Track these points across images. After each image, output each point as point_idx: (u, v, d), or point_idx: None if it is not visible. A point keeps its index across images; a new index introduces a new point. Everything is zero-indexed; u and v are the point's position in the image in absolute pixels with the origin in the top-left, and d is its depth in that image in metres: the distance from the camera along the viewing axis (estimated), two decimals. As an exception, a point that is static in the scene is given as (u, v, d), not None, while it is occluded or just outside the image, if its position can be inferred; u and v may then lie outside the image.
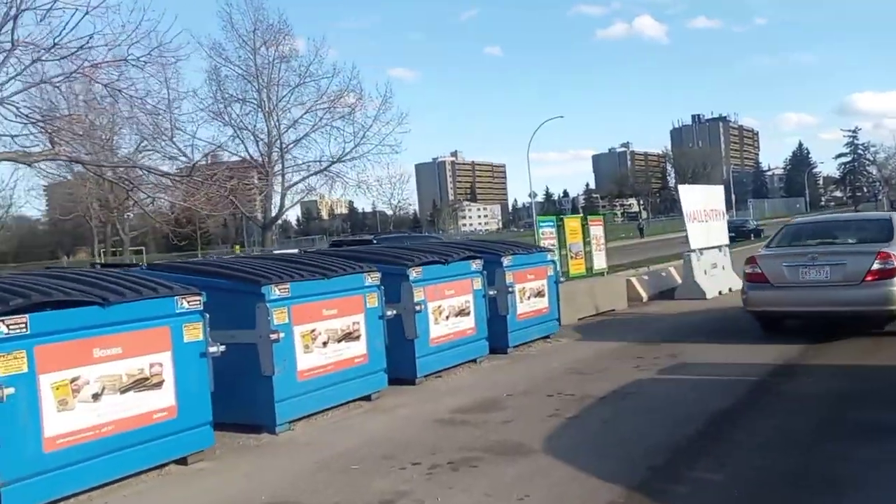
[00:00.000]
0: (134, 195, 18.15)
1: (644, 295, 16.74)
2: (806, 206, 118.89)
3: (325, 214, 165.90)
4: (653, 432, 6.51)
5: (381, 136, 31.67)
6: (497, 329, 10.65)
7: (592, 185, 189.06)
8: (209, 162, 30.19)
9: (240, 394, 7.27)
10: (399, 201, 48.86)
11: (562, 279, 13.46)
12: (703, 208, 17.30)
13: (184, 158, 23.08)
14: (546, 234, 14.77)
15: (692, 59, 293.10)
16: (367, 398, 8.35)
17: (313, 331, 7.69)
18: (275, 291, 7.27)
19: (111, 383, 5.83)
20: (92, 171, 16.47)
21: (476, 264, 10.29)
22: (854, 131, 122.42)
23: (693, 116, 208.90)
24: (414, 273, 9.15)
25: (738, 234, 40.94)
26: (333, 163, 32.53)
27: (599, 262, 16.81)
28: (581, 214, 19.00)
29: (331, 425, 7.53)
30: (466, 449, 6.34)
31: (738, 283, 17.65)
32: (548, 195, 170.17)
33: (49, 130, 13.72)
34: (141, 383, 6.04)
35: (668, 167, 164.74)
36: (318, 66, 32.35)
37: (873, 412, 6.83)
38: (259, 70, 32.46)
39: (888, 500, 4.92)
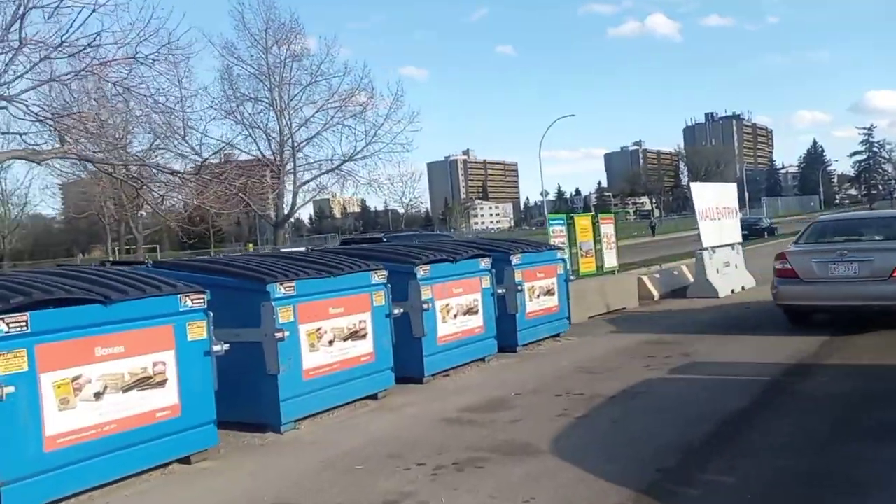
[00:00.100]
0: (143, 193, 18.13)
1: (656, 293, 16.58)
2: (820, 204, 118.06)
3: (337, 213, 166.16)
4: (663, 433, 6.40)
5: (392, 134, 31.63)
6: (506, 327, 10.55)
7: (605, 184, 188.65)
8: (223, 160, 30.25)
9: (245, 392, 7.20)
10: (411, 200, 48.87)
11: (572, 277, 13.35)
12: (716, 206, 17.13)
13: (196, 157, 23.16)
14: (556, 233, 14.62)
15: (705, 58, 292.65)
16: (374, 397, 8.27)
17: (319, 329, 7.61)
18: (280, 290, 7.20)
19: (113, 382, 5.77)
20: (101, 168, 16.47)
21: (485, 262, 10.19)
22: (869, 129, 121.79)
23: (706, 114, 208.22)
24: (421, 271, 9.06)
25: (752, 232, 40.65)
26: (345, 161, 32.51)
27: (610, 260, 16.66)
28: (592, 213, 18.82)
29: (336, 424, 7.45)
30: (473, 449, 6.25)
31: (751, 282, 17.59)
32: (560, 194, 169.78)
33: (59, 128, 13.71)
34: (144, 382, 5.97)
35: (681, 165, 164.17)
36: (329, 64, 32.32)
37: (891, 412, 6.69)
38: (271, 69, 32.46)
39: (905, 504, 4.80)
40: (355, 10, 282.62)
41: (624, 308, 15.06)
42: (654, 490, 5.08)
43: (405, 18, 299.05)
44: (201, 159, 19.93)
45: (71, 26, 12.59)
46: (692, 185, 18.19)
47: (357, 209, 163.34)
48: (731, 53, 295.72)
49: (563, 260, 12.66)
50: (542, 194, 64.54)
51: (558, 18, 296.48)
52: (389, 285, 8.49)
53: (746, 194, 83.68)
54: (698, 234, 16.46)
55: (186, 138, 22.31)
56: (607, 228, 16.68)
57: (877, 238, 11.21)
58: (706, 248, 16.27)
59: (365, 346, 8.14)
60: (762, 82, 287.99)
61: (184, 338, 6.27)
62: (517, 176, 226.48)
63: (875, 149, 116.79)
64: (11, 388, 5.13)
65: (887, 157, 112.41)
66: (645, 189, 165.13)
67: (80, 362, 5.56)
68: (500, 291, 10.46)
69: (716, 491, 5.11)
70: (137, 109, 17.17)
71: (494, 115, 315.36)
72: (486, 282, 10.18)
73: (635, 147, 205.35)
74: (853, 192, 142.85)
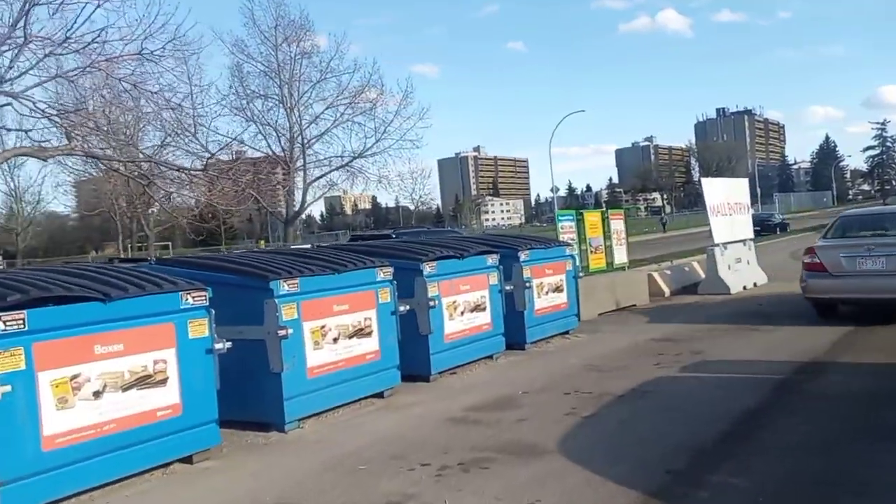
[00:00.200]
0: (151, 190, 18.08)
1: (666, 290, 16.43)
2: (833, 199, 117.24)
3: (348, 210, 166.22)
4: (673, 433, 6.27)
5: (402, 131, 31.59)
6: (514, 325, 10.43)
7: (616, 180, 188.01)
8: (235, 158, 30.23)
9: (248, 391, 7.11)
10: (421, 196, 48.75)
11: (581, 274, 13.20)
12: (727, 201, 16.95)
13: (206, 154, 23.14)
14: (565, 229, 14.47)
15: (717, 53, 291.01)
16: (380, 395, 8.17)
17: (323, 327, 7.51)
18: (283, 287, 7.10)
19: (113, 381, 5.69)
20: (108, 165, 16.42)
21: (492, 259, 10.07)
22: (882, 124, 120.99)
23: (718, 110, 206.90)
24: (428, 268, 8.95)
25: (764, 228, 40.31)
26: (355, 158, 32.47)
27: (620, 256, 16.49)
28: (601, 208, 18.64)
29: (341, 423, 7.36)
30: (478, 449, 6.14)
31: (763, 278, 17.40)
32: (571, 190, 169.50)
33: (65, 125, 13.66)
34: (144, 381, 5.89)
35: (693, 161, 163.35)
36: (338, 61, 32.30)
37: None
38: (281, 66, 32.42)
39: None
40: (365, 6, 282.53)
41: (634, 305, 14.91)
42: (663, 492, 4.95)
43: (415, 15, 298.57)
44: (211, 156, 19.88)
45: (75, 22, 12.55)
46: (703, 180, 18.01)
47: (368, 206, 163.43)
48: (743, 48, 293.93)
49: (573, 256, 12.52)
50: (552, 190, 64.28)
51: (569, 14, 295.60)
52: (395, 282, 8.38)
53: (758, 190, 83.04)
54: (710, 230, 16.29)
55: (197, 136, 22.36)
56: (617, 224, 16.51)
57: None
58: (717, 244, 16.11)
59: (370, 344, 8.04)
60: (774, 77, 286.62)
61: (185, 336, 6.19)
62: (528, 172, 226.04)
63: (888, 144, 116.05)
64: (8, 387, 5.07)
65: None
66: (656, 185, 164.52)
67: (78, 361, 5.49)
68: (508, 288, 10.34)
69: (726, 493, 4.98)
70: (147, 106, 17.11)
71: (505, 112, 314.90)
72: (494, 278, 10.06)
73: (646, 143, 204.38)
74: (866, 187, 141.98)
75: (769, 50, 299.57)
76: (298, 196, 34.12)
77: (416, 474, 5.61)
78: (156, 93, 15.00)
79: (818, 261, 11.38)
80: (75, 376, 5.46)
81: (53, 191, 75.24)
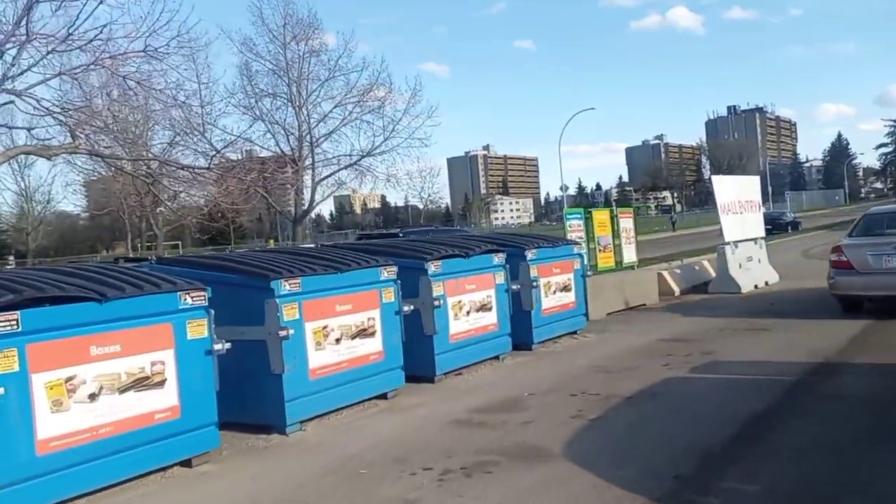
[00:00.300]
0: (155, 189, 18.01)
1: (676, 289, 16.25)
2: (845, 197, 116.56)
3: (357, 209, 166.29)
4: (681, 436, 6.12)
5: (410, 129, 31.49)
6: (521, 325, 10.28)
7: (626, 178, 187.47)
8: (246, 157, 30.20)
9: (249, 392, 7.01)
10: (429, 195, 48.65)
11: (590, 273, 13.05)
12: (738, 199, 16.76)
13: (214, 153, 23.07)
14: (573, 227, 14.33)
15: (728, 50, 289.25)
16: (384, 397, 8.05)
17: (326, 327, 7.39)
18: (285, 286, 6.98)
19: (109, 383, 5.58)
20: (112, 164, 16.36)
21: (499, 258, 9.93)
22: (895, 121, 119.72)
23: (729, 108, 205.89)
24: (433, 267, 8.82)
25: (775, 226, 40.01)
26: (363, 157, 32.38)
27: (629, 255, 16.32)
28: (610, 207, 18.46)
29: (344, 425, 7.23)
30: (482, 452, 6.01)
31: (774, 277, 17.20)
32: (580, 188, 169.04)
33: (70, 124, 13.59)
34: (141, 382, 5.78)
35: (703, 159, 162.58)
36: (347, 59, 32.22)
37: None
38: (289, 64, 32.35)
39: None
40: (374, 5, 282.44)
41: (643, 304, 14.74)
42: (671, 498, 4.81)
43: (424, 14, 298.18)
44: (216, 154, 19.79)
45: (77, 18, 12.46)
46: (714, 177, 17.85)
47: (377, 205, 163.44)
48: (754, 46, 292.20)
49: (581, 255, 12.37)
50: (561, 189, 64.05)
51: (578, 12, 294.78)
52: (399, 281, 8.25)
53: (770, 188, 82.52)
54: (720, 229, 16.11)
55: (206, 134, 22.29)
56: (626, 223, 16.35)
57: None
58: (728, 243, 15.93)
59: (373, 345, 7.91)
60: (786, 75, 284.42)
61: (183, 336, 6.08)
62: (537, 171, 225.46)
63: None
64: (1, 390, 4.97)
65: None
66: (666, 183, 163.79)
67: (73, 362, 5.38)
68: (514, 287, 10.20)
69: (735, 499, 4.84)
70: (155, 105, 17.03)
71: (515, 110, 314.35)
72: (501, 278, 9.92)
73: (657, 141, 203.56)
74: (879, 185, 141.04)
75: (781, 47, 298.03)
76: (307, 195, 34.10)
77: (417, 479, 5.49)
78: (160, 90, 14.91)
79: (845, 259, 11.59)
80: (70, 378, 5.35)
81: (63, 190, 75.37)
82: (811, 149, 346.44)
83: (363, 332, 7.80)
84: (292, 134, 32.80)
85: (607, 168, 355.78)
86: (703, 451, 5.70)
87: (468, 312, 9.34)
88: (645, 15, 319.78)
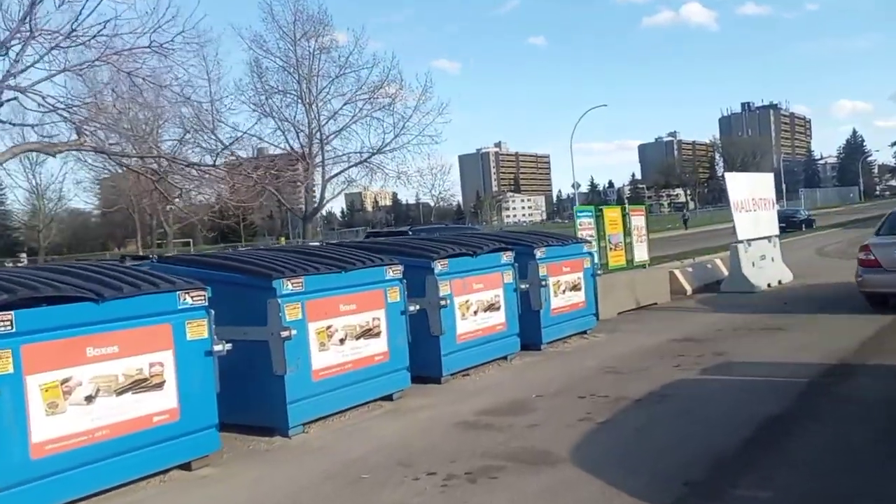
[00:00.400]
0: (161, 186, 17.95)
1: (688, 288, 16.06)
2: (860, 195, 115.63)
3: (369, 206, 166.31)
4: (692, 440, 5.96)
5: (421, 126, 31.36)
6: (529, 324, 10.12)
7: (638, 176, 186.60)
8: (257, 155, 30.14)
9: (252, 394, 6.89)
10: (440, 192, 48.51)
11: (600, 271, 12.86)
12: (752, 197, 16.53)
13: (224, 151, 23.03)
14: (584, 225, 14.12)
15: (742, 46, 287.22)
16: (389, 398, 7.91)
17: (329, 327, 7.26)
18: (287, 286, 6.85)
19: (106, 384, 5.47)
20: (116, 161, 16.31)
21: (507, 256, 9.77)
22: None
23: (742, 104, 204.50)
24: (439, 266, 8.68)
25: (789, 224, 39.61)
26: (373, 154, 32.27)
27: (641, 253, 16.08)
28: (622, 204, 18.23)
29: (347, 428, 7.10)
30: (488, 457, 5.86)
31: (788, 276, 16.97)
32: (593, 186, 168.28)
33: (74, 120, 13.52)
34: (139, 384, 5.67)
35: (717, 156, 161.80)
36: (357, 56, 32.12)
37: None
38: (299, 61, 32.29)
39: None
40: (388, 2, 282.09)
41: (655, 303, 14.56)
42: (681, 507, 4.66)
43: (436, 11, 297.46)
44: (224, 149, 19.74)
45: (80, 13, 12.37)
46: (727, 175, 17.59)
47: (388, 202, 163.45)
48: (769, 42, 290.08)
49: (591, 253, 12.19)
50: (573, 186, 63.61)
51: (591, 8, 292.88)
52: (405, 281, 8.12)
53: (784, 185, 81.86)
54: (733, 227, 15.89)
55: (216, 132, 22.23)
56: (638, 221, 16.11)
57: None
58: (741, 241, 15.72)
59: (379, 345, 7.78)
60: (800, 71, 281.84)
61: (183, 337, 5.96)
62: (549, 168, 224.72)
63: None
64: (-6, 392, 4.86)
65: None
66: (679, 181, 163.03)
67: (69, 364, 5.27)
68: (523, 287, 10.04)
69: (749, 508, 4.68)
70: (161, 101, 16.96)
71: (526, 107, 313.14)
72: (509, 276, 9.77)
73: (670, 138, 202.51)
74: (894, 182, 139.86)
75: (795, 43, 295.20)
76: (317, 192, 34.03)
77: (420, 484, 5.35)
78: (165, 86, 14.83)
79: (873, 257, 11.83)
80: (66, 380, 5.24)
81: (75, 188, 75.83)
82: (826, 146, 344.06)
83: (368, 333, 7.67)
84: (302, 131, 32.75)
85: (620, 165, 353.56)
86: (714, 456, 5.54)
87: (475, 312, 9.19)
88: (657, 11, 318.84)
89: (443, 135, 32.62)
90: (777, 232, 17.88)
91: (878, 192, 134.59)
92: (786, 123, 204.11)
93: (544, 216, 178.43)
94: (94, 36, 12.52)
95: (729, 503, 4.75)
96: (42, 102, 12.95)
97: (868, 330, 10.16)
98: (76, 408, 5.29)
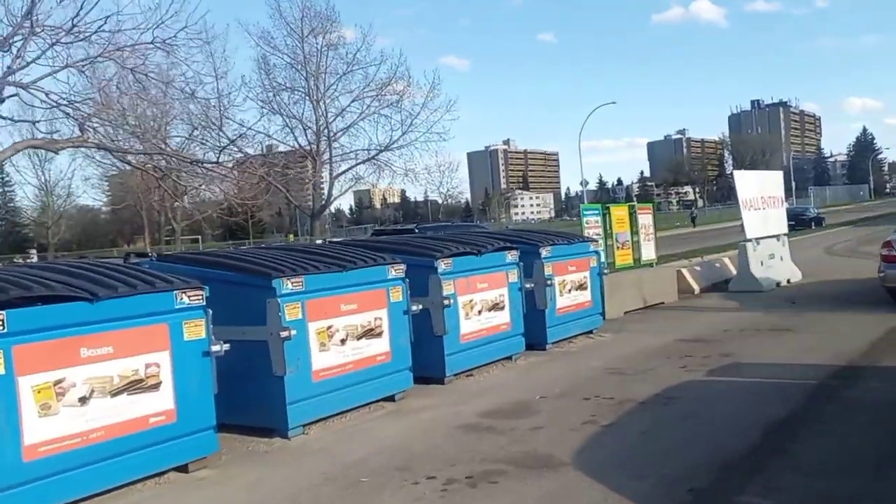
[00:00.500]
0: (164, 183, 17.89)
1: (696, 287, 15.91)
2: (870, 193, 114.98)
3: (377, 203, 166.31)
4: (698, 445, 5.84)
5: (428, 123, 31.34)
6: (534, 324, 10.01)
7: (647, 173, 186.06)
8: (265, 152, 30.10)
9: (252, 394, 6.82)
10: (448, 190, 48.47)
11: (606, 270, 12.73)
12: (760, 195, 16.36)
13: (231, 148, 22.97)
14: (590, 224, 13.99)
15: (751, 43, 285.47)
16: (391, 399, 7.82)
17: (330, 327, 7.16)
18: (287, 285, 6.76)
19: (101, 386, 5.38)
20: (119, 157, 16.26)
21: (512, 255, 9.66)
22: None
23: (752, 102, 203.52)
24: (443, 265, 8.57)
25: (798, 222, 39.32)
26: (381, 151, 32.26)
27: (648, 252, 15.96)
28: (630, 203, 18.07)
29: (348, 429, 7.00)
30: (489, 460, 5.75)
31: (797, 275, 16.80)
32: (601, 183, 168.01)
33: (78, 117, 13.46)
34: (135, 385, 5.58)
35: (726, 154, 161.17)
36: (365, 53, 32.12)
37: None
38: (307, 58, 32.31)
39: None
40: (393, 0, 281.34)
41: (662, 302, 14.42)
42: (685, 514, 4.54)
43: (444, 7, 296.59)
44: (229, 144, 19.64)
45: (81, 9, 12.30)
46: (735, 172, 17.44)
47: (397, 200, 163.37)
48: (778, 39, 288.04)
49: (597, 252, 12.06)
50: (581, 184, 63.62)
51: (600, 5, 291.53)
52: (408, 280, 8.01)
53: (793, 183, 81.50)
54: (741, 225, 15.73)
55: (223, 129, 22.19)
56: (645, 219, 15.99)
57: None
58: (750, 240, 15.56)
59: (380, 345, 7.68)
60: (810, 68, 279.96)
61: (180, 337, 5.87)
62: (558, 166, 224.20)
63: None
64: (-15, 394, 4.78)
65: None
66: (689, 178, 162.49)
67: (63, 364, 5.18)
68: (528, 286, 9.93)
69: (755, 516, 4.56)
70: (164, 97, 16.87)
71: (535, 105, 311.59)
72: (514, 276, 9.66)
73: (679, 136, 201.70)
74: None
75: (805, 40, 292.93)
76: (325, 190, 34.01)
77: (419, 488, 5.24)
78: (169, 83, 14.75)
79: (895, 253, 12.09)
80: (59, 381, 5.15)
81: (83, 184, 76.03)
82: (836, 144, 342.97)
83: (370, 333, 7.57)
84: (310, 128, 32.75)
85: (629, 163, 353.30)
86: (720, 462, 5.41)
87: (480, 312, 9.09)
88: (667, 7, 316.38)
89: (451, 132, 32.60)
90: (786, 230, 17.71)
91: (888, 190, 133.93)
92: (795, 121, 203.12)
93: (553, 214, 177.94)
94: (96, 31, 12.47)
95: (734, 511, 4.64)
96: (45, 99, 12.91)
97: (878, 331, 10.00)
98: (70, 409, 5.20)
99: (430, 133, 31.80)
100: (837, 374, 7.94)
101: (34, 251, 53.50)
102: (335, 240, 14.11)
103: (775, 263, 16.41)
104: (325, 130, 32.64)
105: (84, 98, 13.45)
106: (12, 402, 4.93)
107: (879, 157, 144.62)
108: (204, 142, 24.17)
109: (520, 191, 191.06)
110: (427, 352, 8.35)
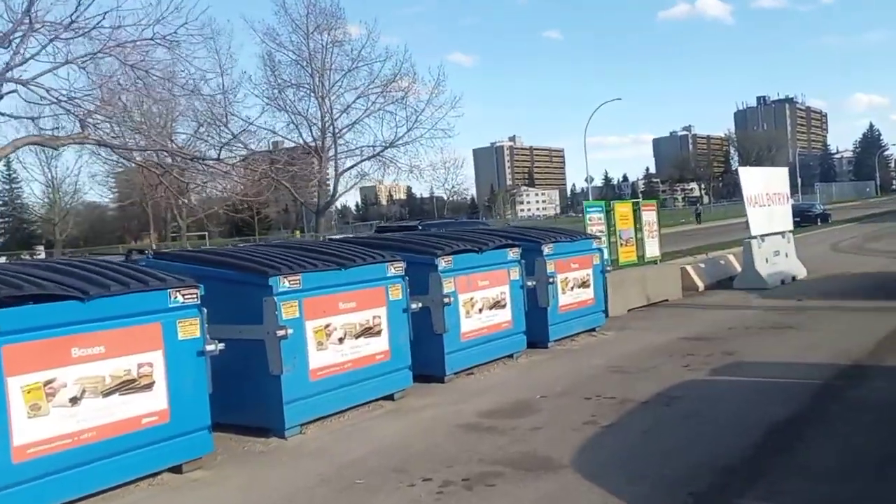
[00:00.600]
0: (166, 180, 17.83)
1: (700, 284, 15.78)
2: (876, 189, 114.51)
3: (383, 200, 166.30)
4: (699, 446, 5.74)
5: (434, 120, 31.22)
6: (536, 322, 9.92)
7: (653, 170, 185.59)
8: (271, 149, 30.04)
9: (248, 394, 6.73)
10: (454, 186, 48.39)
11: (609, 268, 12.62)
12: (766, 192, 16.23)
13: (237, 145, 22.92)
14: (593, 221, 13.87)
15: (757, 40, 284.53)
16: (391, 398, 7.73)
17: (328, 326, 7.07)
18: (284, 283, 6.67)
19: (92, 386, 5.30)
20: (119, 154, 16.21)
21: (513, 253, 9.56)
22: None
23: (758, 98, 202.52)
24: (443, 262, 8.48)
25: (804, 219, 39.12)
26: (386, 147, 32.14)
27: (652, 249, 15.84)
28: (637, 199, 17.95)
29: (346, 429, 6.92)
30: (487, 462, 5.66)
31: (802, 272, 16.68)
32: (607, 180, 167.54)
33: (79, 113, 13.40)
34: (127, 385, 5.50)
35: (732, 150, 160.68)
36: (370, 49, 31.98)
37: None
38: (312, 54, 32.17)
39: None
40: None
41: (666, 300, 14.30)
42: (685, 518, 4.45)
43: (450, 4, 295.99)
44: (232, 139, 19.56)
45: (80, 4, 12.22)
46: (740, 169, 17.32)
47: (403, 196, 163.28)
48: (784, 35, 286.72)
49: (600, 250, 11.96)
50: (586, 180, 63.31)
51: (606, 2, 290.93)
52: (407, 278, 7.92)
53: (799, 180, 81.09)
54: (747, 222, 15.60)
55: (229, 126, 22.09)
56: (649, 216, 15.86)
57: None
58: (755, 237, 15.43)
59: (379, 344, 7.59)
60: (817, 64, 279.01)
61: (173, 336, 5.79)
62: (564, 162, 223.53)
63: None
64: (-26, 394, 4.70)
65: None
66: (694, 175, 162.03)
67: (53, 364, 5.10)
68: (530, 283, 9.83)
69: (756, 520, 4.46)
70: (166, 94, 16.79)
71: (541, 101, 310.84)
72: (515, 273, 9.56)
73: (685, 132, 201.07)
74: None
75: (812, 36, 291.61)
76: (330, 186, 33.94)
77: (415, 491, 5.16)
78: (170, 79, 14.67)
79: None
80: (50, 381, 5.07)
81: (90, 181, 76.09)
82: (842, 140, 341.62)
83: (368, 331, 7.48)
84: (315, 125, 32.66)
85: (635, 159, 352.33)
86: (722, 464, 5.31)
87: (480, 310, 8.99)
88: (673, 4, 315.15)
89: (456, 128, 32.62)
90: (791, 227, 17.56)
91: (894, 187, 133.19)
92: (801, 117, 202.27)
93: (558, 210, 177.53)
94: (95, 27, 12.40)
95: (736, 515, 4.54)
96: (45, 95, 12.85)
97: (883, 329, 9.88)
98: (60, 410, 5.12)
99: (436, 129, 31.67)
100: (842, 374, 7.83)
101: (41, 248, 53.65)
102: (334, 237, 14.00)
103: (780, 260, 16.28)
104: (331, 127, 32.58)
105: (84, 94, 13.44)
106: (1, 402, 4.84)
107: (886, 153, 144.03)
108: (209, 138, 24.16)
109: (525, 187, 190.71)
110: (427, 350, 8.26)
